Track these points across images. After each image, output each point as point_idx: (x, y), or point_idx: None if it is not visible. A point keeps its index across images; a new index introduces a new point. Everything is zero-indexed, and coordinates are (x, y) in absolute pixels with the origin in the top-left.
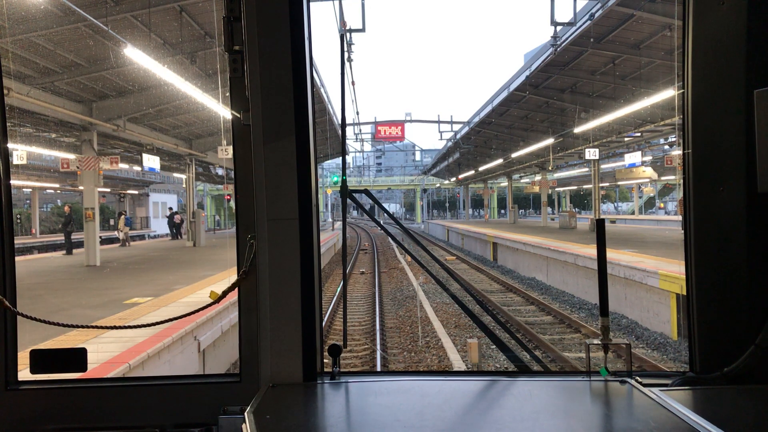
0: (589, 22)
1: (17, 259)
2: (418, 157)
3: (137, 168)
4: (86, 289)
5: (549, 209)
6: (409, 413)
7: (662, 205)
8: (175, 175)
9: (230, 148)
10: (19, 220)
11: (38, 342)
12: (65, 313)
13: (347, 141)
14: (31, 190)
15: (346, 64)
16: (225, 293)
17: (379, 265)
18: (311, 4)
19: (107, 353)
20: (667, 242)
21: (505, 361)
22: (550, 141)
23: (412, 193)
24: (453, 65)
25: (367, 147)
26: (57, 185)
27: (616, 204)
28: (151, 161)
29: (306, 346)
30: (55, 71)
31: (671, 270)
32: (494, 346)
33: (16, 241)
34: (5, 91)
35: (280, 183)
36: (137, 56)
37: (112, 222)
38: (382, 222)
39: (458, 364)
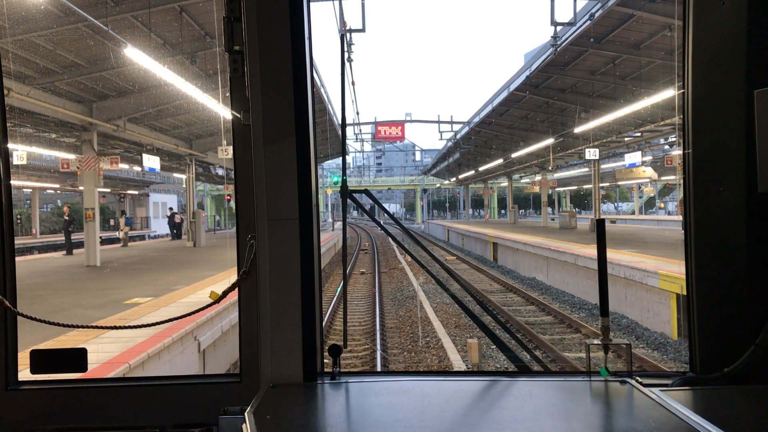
0: (589, 22)
1: (17, 259)
2: (418, 157)
3: (137, 168)
4: (86, 289)
5: (549, 209)
6: (410, 413)
7: (662, 205)
8: (175, 175)
9: (230, 148)
10: (19, 221)
11: (38, 342)
12: (65, 314)
13: (347, 141)
14: (31, 190)
15: (346, 64)
16: (225, 293)
17: (379, 265)
18: (311, 4)
19: (107, 353)
20: (668, 242)
21: (505, 361)
22: (550, 141)
23: (412, 193)
24: (453, 65)
25: (367, 147)
26: (57, 185)
27: (616, 204)
28: (151, 161)
29: (306, 347)
30: (55, 71)
31: (671, 270)
32: (494, 346)
33: (16, 242)
34: (5, 91)
35: (280, 183)
36: (137, 56)
37: (112, 222)
38: (382, 222)
39: (458, 364)
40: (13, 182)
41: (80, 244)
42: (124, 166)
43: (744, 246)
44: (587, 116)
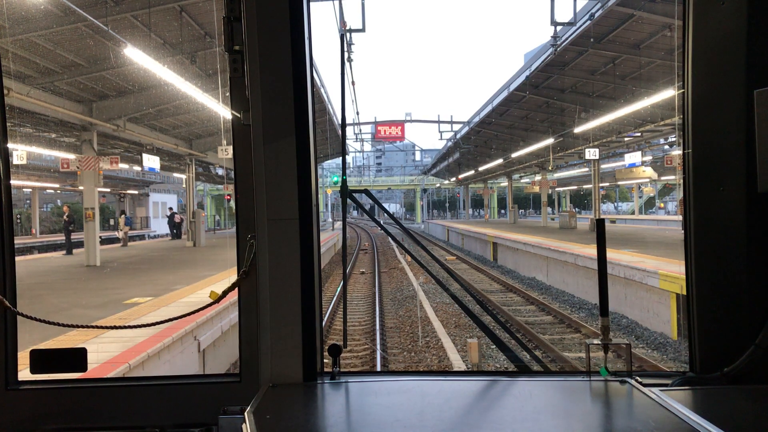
0: (589, 22)
1: (17, 259)
2: (418, 157)
3: (137, 168)
4: (86, 289)
5: (549, 209)
6: (410, 413)
7: (662, 205)
8: (175, 175)
9: (230, 148)
10: (19, 220)
11: (38, 342)
12: (65, 313)
13: (347, 141)
14: (31, 190)
15: (346, 64)
16: (225, 293)
17: (379, 265)
18: (311, 4)
19: (107, 353)
20: (667, 242)
21: (505, 361)
22: (550, 141)
23: (412, 193)
24: (453, 65)
25: (367, 147)
26: (57, 185)
27: (616, 204)
28: (151, 161)
29: (306, 346)
30: (55, 71)
31: (671, 270)
32: (494, 346)
33: (16, 241)
34: (5, 91)
35: (280, 183)
36: (137, 56)
37: (111, 222)
38: (382, 222)
39: (458, 364)
40: (13, 182)
41: (80, 244)
42: (124, 165)
43: (744, 246)
44: (587, 116)
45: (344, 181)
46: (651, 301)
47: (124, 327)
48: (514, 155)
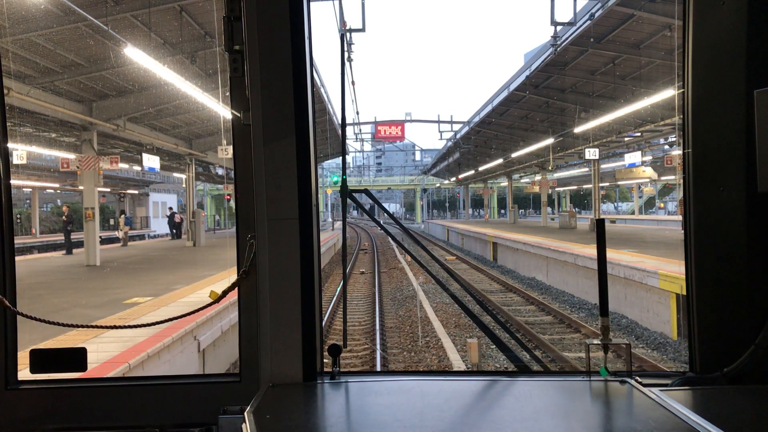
0: (589, 22)
1: (17, 259)
2: (418, 157)
3: (137, 168)
4: (86, 288)
5: (549, 209)
6: (410, 413)
7: (662, 205)
8: (175, 174)
9: (230, 148)
10: (19, 220)
11: (38, 342)
12: (65, 313)
13: (347, 141)
14: (31, 190)
15: (346, 64)
16: (225, 293)
17: (379, 264)
18: (311, 4)
19: (107, 353)
20: (667, 242)
21: (505, 361)
22: (550, 141)
23: (412, 193)
24: (453, 65)
25: (367, 147)
26: (57, 185)
27: (616, 204)
28: (151, 161)
29: (306, 346)
30: (55, 71)
31: (671, 270)
32: (494, 346)
33: (16, 241)
34: (5, 91)
35: (280, 183)
36: (137, 56)
37: (111, 222)
38: (382, 222)
39: (458, 363)
40: (13, 182)
41: (80, 244)
42: (123, 165)
43: (744, 246)
44: (587, 116)
45: (344, 181)
46: (651, 301)
47: (124, 327)
48: (514, 155)
